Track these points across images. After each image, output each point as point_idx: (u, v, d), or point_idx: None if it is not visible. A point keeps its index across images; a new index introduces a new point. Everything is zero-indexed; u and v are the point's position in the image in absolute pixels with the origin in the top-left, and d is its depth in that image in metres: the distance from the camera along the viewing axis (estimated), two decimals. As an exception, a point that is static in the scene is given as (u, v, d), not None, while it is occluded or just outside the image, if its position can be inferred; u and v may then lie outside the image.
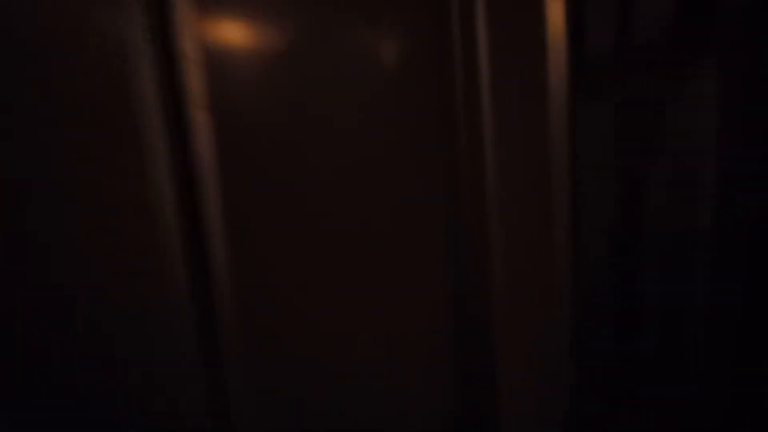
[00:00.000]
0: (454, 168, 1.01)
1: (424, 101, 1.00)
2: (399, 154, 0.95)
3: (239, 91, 0.74)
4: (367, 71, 0.92)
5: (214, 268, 0.75)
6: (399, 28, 0.96)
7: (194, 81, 0.69)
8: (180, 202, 0.69)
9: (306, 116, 0.84)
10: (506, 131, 0.97)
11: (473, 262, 1.03)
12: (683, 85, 0.80)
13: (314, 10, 0.84)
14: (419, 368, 1.01)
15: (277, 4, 0.80)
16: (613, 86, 0.90)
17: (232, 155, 0.73)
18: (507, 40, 0.93)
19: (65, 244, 0.65)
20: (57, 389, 0.68)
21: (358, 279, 0.91)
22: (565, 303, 1.05)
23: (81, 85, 0.65)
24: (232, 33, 0.76)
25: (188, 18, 0.69)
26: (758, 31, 0.71)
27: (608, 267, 1.02)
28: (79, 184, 0.65)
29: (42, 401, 0.68)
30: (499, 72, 0.93)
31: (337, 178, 0.86)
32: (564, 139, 0.97)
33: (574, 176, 1.02)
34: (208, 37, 0.71)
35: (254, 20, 0.78)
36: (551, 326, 1.05)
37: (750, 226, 0.77)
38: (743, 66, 0.73)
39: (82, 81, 0.65)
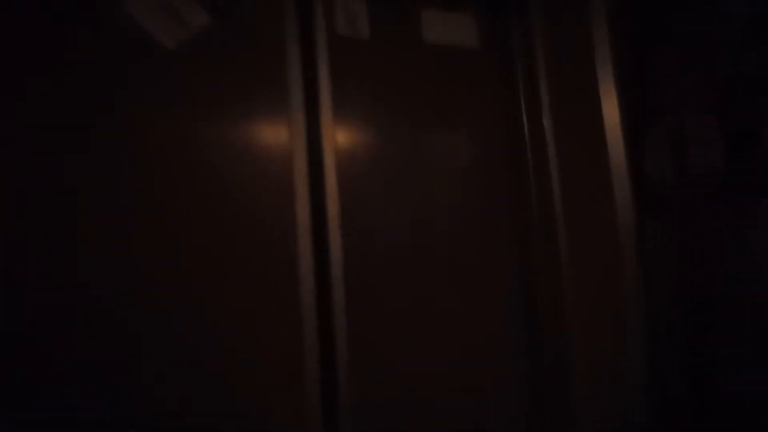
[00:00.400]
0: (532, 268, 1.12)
1: (504, 203, 1.14)
2: (484, 252, 1.09)
3: (361, 211, 0.93)
4: (458, 179, 1.09)
5: (339, 344, 0.89)
6: (480, 140, 1.13)
7: (332, 205, 0.87)
8: (318, 299, 0.86)
9: (408, 223, 1.00)
10: (578, 242, 1.09)
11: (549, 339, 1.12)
12: (738, 212, 0.89)
13: (414, 138, 1.03)
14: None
15: (384, 137, 1.00)
16: (672, 209, 1.00)
17: (356, 260, 0.91)
18: (575, 167, 1.08)
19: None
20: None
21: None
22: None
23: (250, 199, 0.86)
24: (356, 166, 0.96)
25: (332, 159, 0.90)
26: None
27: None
28: (239, 270, 0.83)
29: None
30: (570, 192, 1.07)
31: (434, 269, 1.01)
32: (632, 248, 1.06)
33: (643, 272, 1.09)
34: (342, 171, 0.91)
35: (370, 151, 0.99)
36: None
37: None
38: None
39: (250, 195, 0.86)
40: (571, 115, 1.11)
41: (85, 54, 0.77)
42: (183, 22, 0.82)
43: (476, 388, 1.04)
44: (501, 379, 1.08)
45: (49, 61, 0.75)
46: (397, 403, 0.93)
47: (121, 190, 0.77)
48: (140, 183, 0.78)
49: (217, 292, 0.80)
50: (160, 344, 0.76)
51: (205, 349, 0.77)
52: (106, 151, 0.78)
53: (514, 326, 1.13)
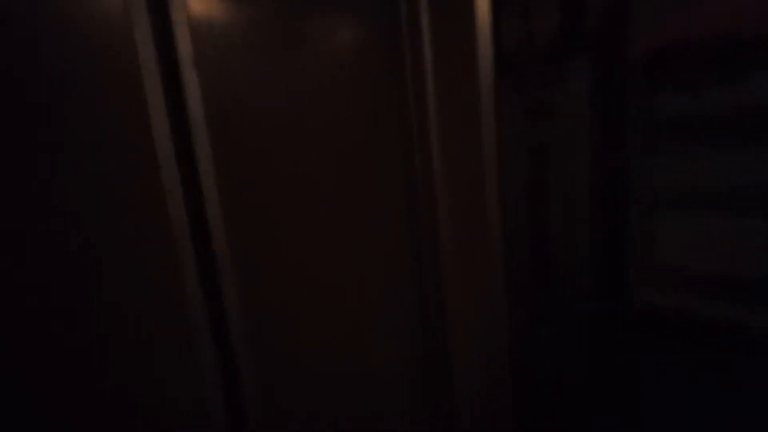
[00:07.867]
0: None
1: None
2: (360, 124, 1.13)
3: (222, 51, 0.90)
4: (328, 53, 1.10)
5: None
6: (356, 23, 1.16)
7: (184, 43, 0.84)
8: (174, 142, 0.83)
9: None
10: (446, 102, 1.18)
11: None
12: (567, 75, 1.11)
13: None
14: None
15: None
16: (523, 72, 1.19)
17: (216, 107, 0.89)
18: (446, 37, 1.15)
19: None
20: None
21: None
22: (500, 254, 1.24)
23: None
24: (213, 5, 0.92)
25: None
26: (616, 37, 1.00)
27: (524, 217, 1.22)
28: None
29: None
30: (442, 60, 1.14)
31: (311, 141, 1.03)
32: (491, 108, 1.18)
33: (501, 142, 1.24)
34: (194, 7, 0.87)
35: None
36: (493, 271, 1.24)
37: (612, 174, 1.06)
38: (606, 61, 1.03)
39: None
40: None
41: None
42: None
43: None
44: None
45: None
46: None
47: None
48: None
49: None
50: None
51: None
52: None
53: (396, 196, 1.21)
